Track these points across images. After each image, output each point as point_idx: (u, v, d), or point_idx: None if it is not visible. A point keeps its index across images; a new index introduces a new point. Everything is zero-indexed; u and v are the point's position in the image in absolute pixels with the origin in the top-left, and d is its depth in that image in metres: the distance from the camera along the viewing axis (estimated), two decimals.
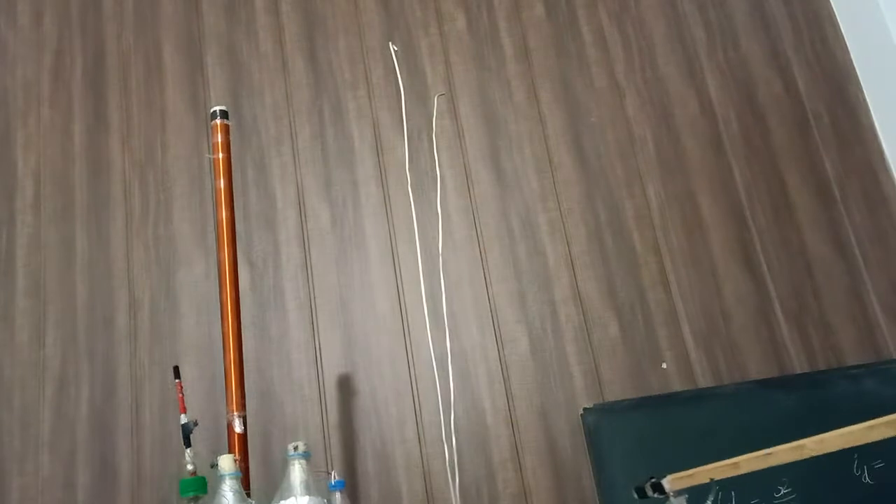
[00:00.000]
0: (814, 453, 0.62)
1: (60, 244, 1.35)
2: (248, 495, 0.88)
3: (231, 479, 0.85)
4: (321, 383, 1.25)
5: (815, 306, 1.30)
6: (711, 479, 0.67)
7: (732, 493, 1.10)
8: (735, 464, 0.66)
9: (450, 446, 1.20)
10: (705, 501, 0.70)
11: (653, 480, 0.70)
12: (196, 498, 0.87)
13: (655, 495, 0.70)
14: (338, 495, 0.95)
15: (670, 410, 1.18)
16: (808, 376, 1.24)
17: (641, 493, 0.71)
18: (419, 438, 1.22)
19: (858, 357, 1.27)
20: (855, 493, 1.11)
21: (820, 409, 1.15)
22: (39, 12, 1.51)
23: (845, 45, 1.48)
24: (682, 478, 0.69)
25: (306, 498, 0.86)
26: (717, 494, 0.66)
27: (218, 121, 1.06)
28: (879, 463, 1.12)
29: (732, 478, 1.10)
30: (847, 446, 0.60)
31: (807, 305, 1.30)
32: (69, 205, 1.38)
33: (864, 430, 0.59)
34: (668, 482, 0.69)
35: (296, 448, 0.90)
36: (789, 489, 1.11)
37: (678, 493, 0.69)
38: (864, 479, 1.12)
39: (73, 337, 1.29)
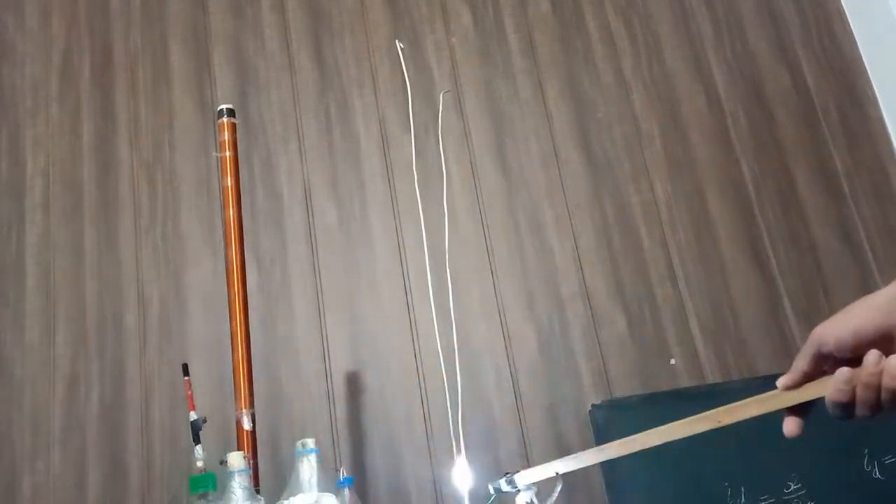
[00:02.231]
0: (641, 447, 0.67)
1: (70, 243, 1.36)
2: (258, 492, 0.89)
3: (240, 475, 0.85)
4: (329, 380, 1.25)
5: (824, 301, 1.29)
6: (556, 473, 0.71)
7: (742, 489, 1.10)
8: (576, 457, 0.71)
9: (458, 442, 1.20)
10: (552, 494, 0.73)
11: (507, 476, 0.74)
12: (205, 495, 0.88)
13: (509, 488, 0.74)
14: (346, 492, 0.95)
15: (679, 406, 1.17)
16: None
17: (497, 489, 0.75)
18: (427, 435, 1.22)
19: None
20: (865, 489, 1.10)
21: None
22: (47, 12, 1.52)
23: (854, 38, 1.47)
24: (531, 472, 0.73)
25: (315, 494, 0.87)
26: (562, 486, 0.72)
27: (225, 119, 1.06)
28: (890, 458, 1.11)
29: (741, 475, 1.10)
30: (670, 440, 0.66)
31: (816, 300, 1.29)
32: (78, 204, 1.38)
33: (683, 425, 0.66)
34: (519, 476, 0.73)
35: (304, 445, 0.90)
36: (799, 485, 1.10)
37: (528, 486, 0.73)
38: (875, 474, 1.11)
39: (83, 335, 1.29)
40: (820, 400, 0.60)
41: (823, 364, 0.59)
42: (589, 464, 0.71)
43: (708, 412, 0.65)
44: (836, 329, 0.57)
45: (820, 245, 1.33)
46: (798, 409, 0.62)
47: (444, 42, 1.47)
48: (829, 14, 1.49)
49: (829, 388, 0.57)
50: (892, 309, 0.55)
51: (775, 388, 0.63)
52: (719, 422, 0.65)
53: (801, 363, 0.61)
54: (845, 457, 1.12)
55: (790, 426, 0.62)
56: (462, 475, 1.18)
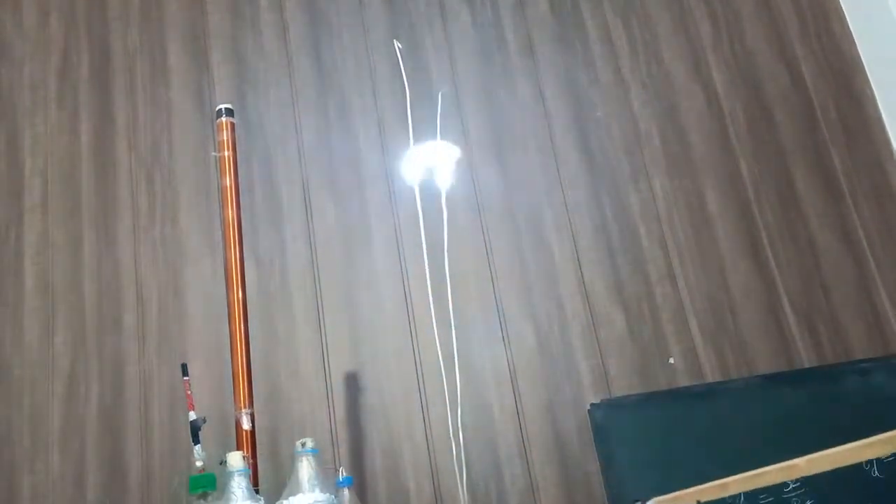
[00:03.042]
0: (805, 473, 0.60)
1: (68, 244, 1.36)
2: (257, 492, 0.89)
3: (240, 475, 0.85)
4: (328, 380, 1.25)
5: (823, 300, 1.29)
6: (698, 502, 0.64)
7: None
8: (723, 485, 0.63)
9: (457, 442, 1.20)
10: None
11: (637, 503, 0.67)
12: (205, 494, 0.88)
13: None
14: (346, 492, 0.95)
15: (678, 405, 1.18)
16: (817, 371, 1.23)
17: None
18: (426, 434, 1.22)
19: (867, 351, 1.26)
20: (865, 488, 1.10)
21: (829, 404, 1.15)
22: (45, 12, 1.52)
23: (852, 37, 1.47)
24: (667, 500, 0.66)
25: (315, 494, 0.87)
26: None
27: (224, 119, 1.06)
28: (889, 457, 1.11)
29: (740, 473, 1.10)
30: (838, 465, 0.56)
31: (815, 299, 1.29)
32: (77, 204, 1.38)
33: (859, 448, 0.56)
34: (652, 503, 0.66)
35: (304, 445, 0.90)
36: (797, 483, 1.10)
37: None
38: (874, 473, 1.11)
39: (82, 336, 1.29)
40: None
41: None
42: (738, 492, 0.62)
43: None
44: None
45: (819, 244, 1.33)
46: None
47: (443, 41, 1.47)
48: (827, 13, 1.49)
49: None
50: None
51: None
52: None
53: None
54: None
55: None
56: (461, 474, 1.18)
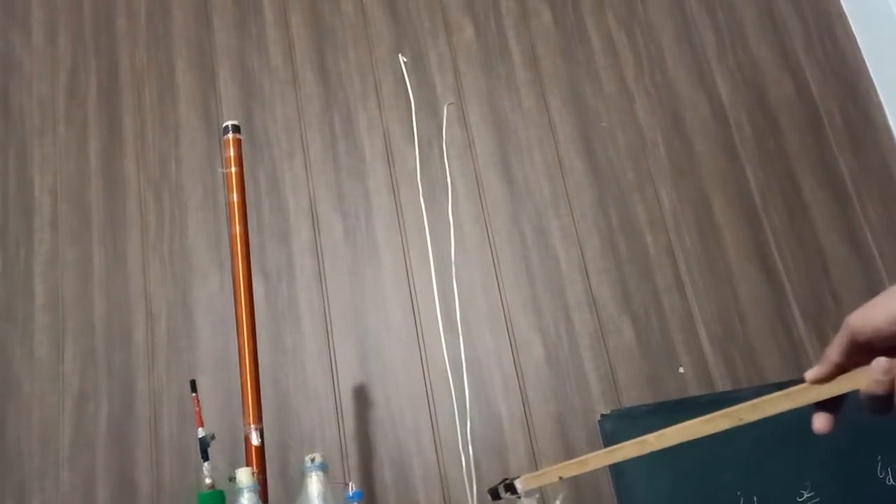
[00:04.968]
0: (655, 447, 0.63)
1: (78, 261, 1.37)
2: None
3: (249, 492, 0.85)
4: (337, 394, 1.25)
5: (832, 307, 1.28)
6: (560, 478, 0.68)
7: (755, 499, 1.09)
8: (583, 461, 0.66)
9: (466, 454, 1.20)
10: (554, 501, 0.71)
11: (506, 481, 0.70)
12: None
13: (508, 495, 0.70)
14: None
15: (689, 415, 1.17)
16: None
17: (495, 494, 0.71)
18: (436, 447, 1.21)
19: None
20: (879, 496, 1.09)
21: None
22: (54, 31, 1.54)
23: (856, 43, 1.47)
24: (533, 477, 0.69)
25: None
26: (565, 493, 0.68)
27: (230, 135, 1.07)
28: None
29: (753, 482, 1.09)
30: (686, 440, 0.62)
31: (824, 306, 1.28)
32: (86, 222, 1.39)
33: (701, 424, 0.62)
34: (520, 482, 0.70)
35: (313, 460, 0.90)
36: (812, 493, 1.09)
37: (529, 493, 0.70)
38: (889, 481, 1.10)
39: (92, 352, 1.30)
40: (852, 395, 0.56)
41: (857, 355, 0.55)
42: (597, 467, 0.66)
43: (730, 409, 0.61)
44: (874, 315, 0.53)
45: (827, 250, 1.32)
46: (829, 405, 0.58)
47: (447, 55, 1.47)
48: (830, 18, 1.49)
49: (864, 380, 0.53)
50: None
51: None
52: (741, 419, 0.61)
53: (833, 354, 0.56)
54: (858, 463, 1.11)
55: (820, 423, 0.58)
56: (471, 486, 1.18)
